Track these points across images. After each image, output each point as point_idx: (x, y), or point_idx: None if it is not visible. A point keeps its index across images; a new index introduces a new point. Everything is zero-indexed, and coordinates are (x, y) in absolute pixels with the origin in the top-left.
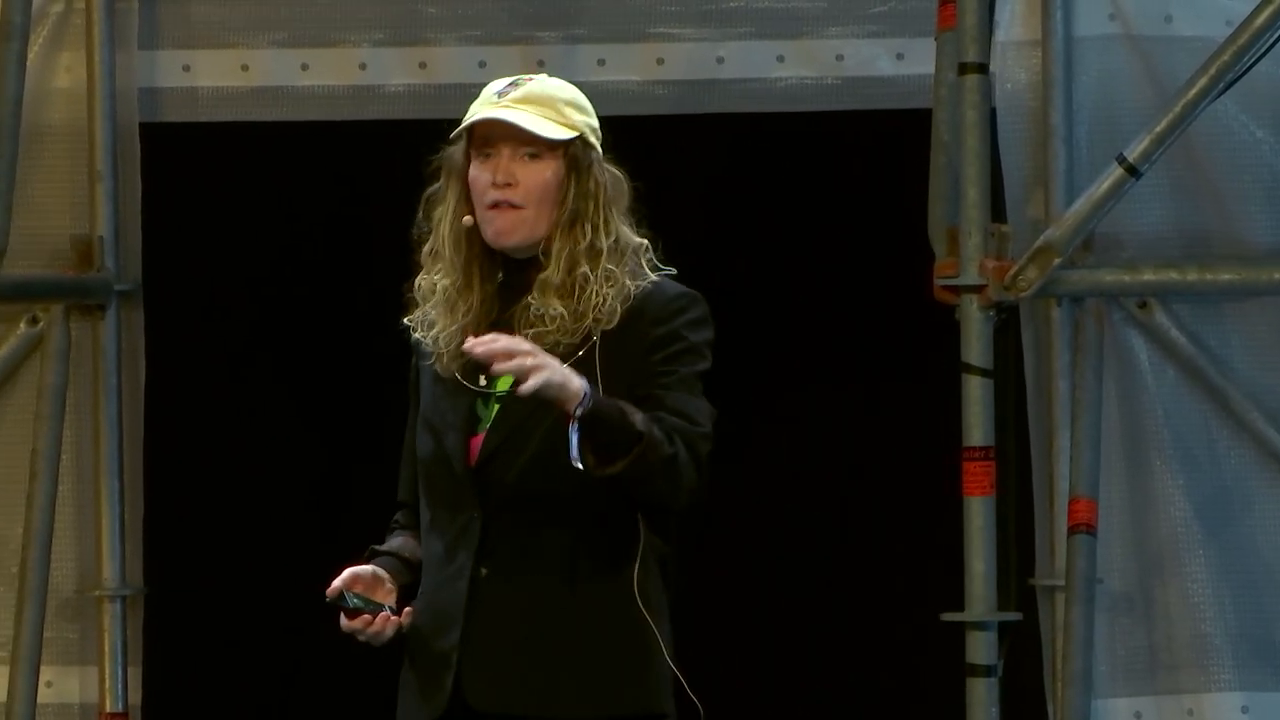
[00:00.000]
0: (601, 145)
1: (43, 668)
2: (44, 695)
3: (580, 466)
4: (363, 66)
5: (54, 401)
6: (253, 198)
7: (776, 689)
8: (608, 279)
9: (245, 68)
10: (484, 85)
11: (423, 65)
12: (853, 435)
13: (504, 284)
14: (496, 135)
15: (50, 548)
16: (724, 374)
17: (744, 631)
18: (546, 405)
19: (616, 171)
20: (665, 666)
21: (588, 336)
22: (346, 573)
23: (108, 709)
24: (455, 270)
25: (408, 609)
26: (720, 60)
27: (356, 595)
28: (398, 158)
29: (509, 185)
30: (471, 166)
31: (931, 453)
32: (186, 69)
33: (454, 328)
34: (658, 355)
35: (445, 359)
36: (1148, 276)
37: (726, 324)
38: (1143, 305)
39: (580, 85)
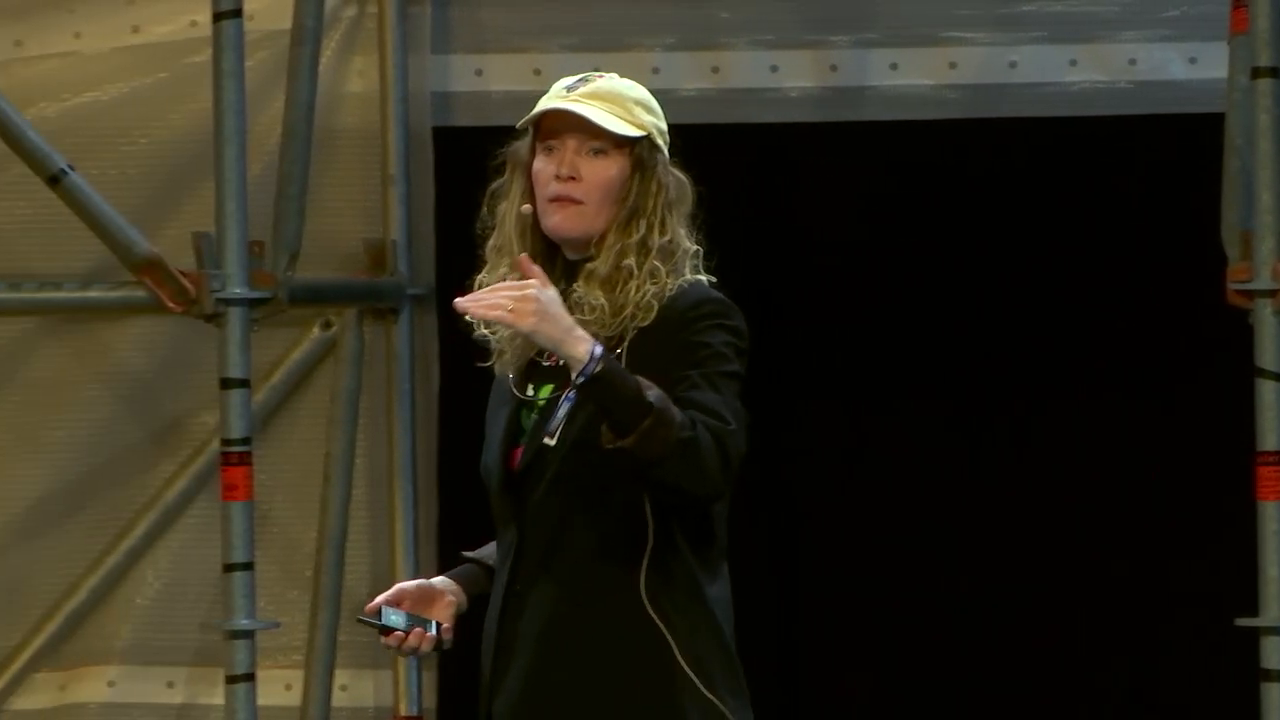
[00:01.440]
0: (669, 149)
1: (337, 671)
2: (338, 699)
3: (551, 444)
4: (655, 71)
5: (347, 405)
6: None
7: (1070, 692)
8: (652, 275)
9: (537, 72)
10: (776, 90)
11: (715, 69)
12: (1147, 439)
13: (563, 284)
14: (563, 129)
15: (344, 551)
16: (1021, 375)
17: (1039, 634)
18: (578, 415)
19: (682, 176)
20: (684, 676)
21: (624, 333)
22: (393, 589)
23: (402, 712)
24: (501, 264)
25: (447, 625)
26: (1012, 64)
27: (396, 611)
28: (690, 162)
29: (572, 179)
30: (536, 159)
31: (1225, 457)
32: (479, 73)
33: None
34: (683, 360)
35: (505, 358)
36: None
37: (1017, 326)
38: None
39: (872, 89)
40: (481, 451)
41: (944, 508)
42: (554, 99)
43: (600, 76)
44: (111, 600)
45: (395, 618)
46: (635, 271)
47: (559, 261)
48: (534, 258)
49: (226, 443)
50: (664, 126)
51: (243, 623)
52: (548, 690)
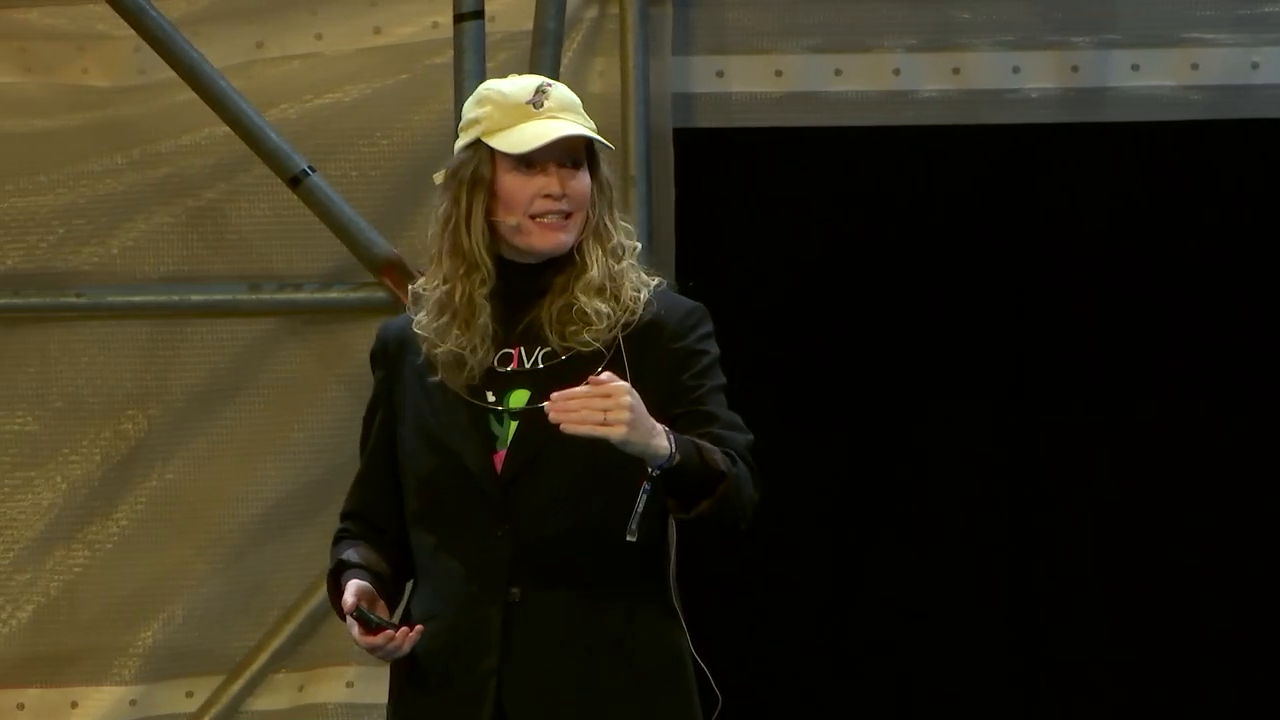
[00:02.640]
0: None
1: None
2: None
3: (632, 540)
4: (896, 72)
5: None
6: (785, 203)
7: (1263, 695)
8: (633, 275)
9: (778, 73)
10: (1017, 91)
11: (956, 71)
12: None
13: (508, 291)
14: (543, 145)
15: None
16: (1267, 378)
17: (1231, 637)
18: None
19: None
20: (694, 673)
21: (614, 337)
22: (354, 586)
23: None
24: (471, 279)
25: (419, 626)
26: (1255, 65)
27: (370, 611)
28: (929, 164)
29: (564, 196)
30: (509, 175)
31: None
32: (720, 74)
33: (472, 338)
34: (688, 371)
35: (452, 369)
36: None
37: (1262, 325)
38: None
39: (1113, 90)
40: (410, 454)
41: (1155, 507)
42: (529, 117)
43: (550, 85)
44: None
45: (377, 617)
46: (626, 275)
47: (498, 271)
48: (478, 269)
49: None
50: None
51: None
52: (586, 692)
